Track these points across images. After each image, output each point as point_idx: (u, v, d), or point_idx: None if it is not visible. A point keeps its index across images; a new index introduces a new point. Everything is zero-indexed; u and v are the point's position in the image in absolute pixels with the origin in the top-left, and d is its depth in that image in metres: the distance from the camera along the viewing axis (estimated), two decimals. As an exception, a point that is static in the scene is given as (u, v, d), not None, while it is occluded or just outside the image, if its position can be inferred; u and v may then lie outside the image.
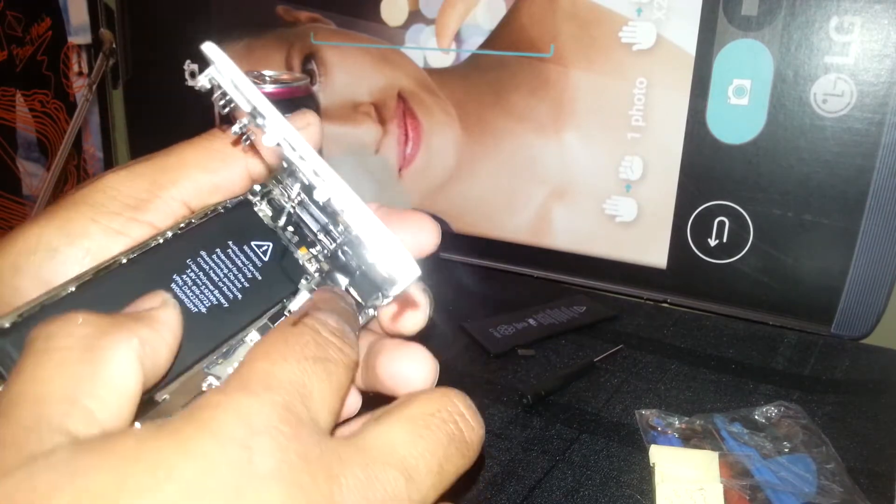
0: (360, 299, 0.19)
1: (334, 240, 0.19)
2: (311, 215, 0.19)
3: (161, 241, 0.17)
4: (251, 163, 0.19)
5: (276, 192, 0.19)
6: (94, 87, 0.69)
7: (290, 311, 0.19)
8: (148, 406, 0.15)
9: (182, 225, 0.18)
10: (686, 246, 0.48)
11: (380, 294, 0.18)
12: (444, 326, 0.45)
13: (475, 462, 0.16)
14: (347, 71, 0.57)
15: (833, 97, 0.42)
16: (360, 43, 0.56)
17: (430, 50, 0.54)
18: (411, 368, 0.18)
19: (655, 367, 0.40)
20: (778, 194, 0.45)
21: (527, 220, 0.53)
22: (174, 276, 0.17)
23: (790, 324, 0.46)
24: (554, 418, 0.35)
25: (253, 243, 0.19)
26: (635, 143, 0.49)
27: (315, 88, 0.57)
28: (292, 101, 0.50)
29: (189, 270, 0.17)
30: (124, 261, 0.16)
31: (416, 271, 0.17)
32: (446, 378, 0.43)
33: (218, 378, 0.17)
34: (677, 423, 0.34)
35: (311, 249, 0.19)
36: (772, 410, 0.35)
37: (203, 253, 0.18)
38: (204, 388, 0.16)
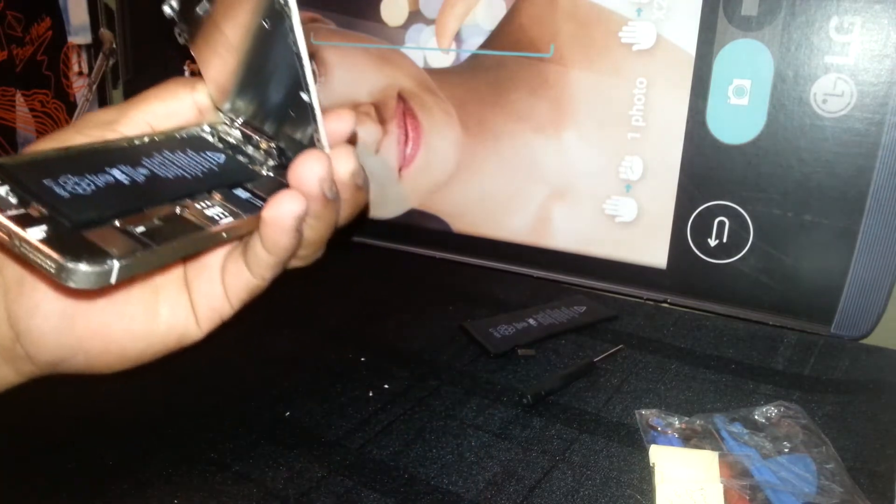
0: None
1: (272, 138, 0.24)
2: (254, 129, 0.24)
3: (136, 141, 0.22)
4: (198, 97, 0.24)
5: (222, 128, 0.24)
6: (95, 87, 0.69)
7: (250, 186, 0.23)
8: (127, 237, 0.18)
9: (148, 135, 0.23)
10: (686, 246, 0.48)
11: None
12: (443, 326, 0.45)
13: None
14: (347, 71, 0.57)
15: (833, 97, 0.42)
16: (360, 43, 0.56)
17: (430, 50, 0.54)
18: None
19: (655, 367, 0.40)
20: (778, 194, 0.45)
21: (527, 220, 0.54)
22: (143, 158, 0.21)
23: (790, 324, 0.46)
24: (554, 418, 0.35)
25: (208, 152, 0.23)
26: (635, 143, 0.49)
27: (315, 88, 0.57)
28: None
29: (156, 156, 0.22)
30: (97, 145, 0.21)
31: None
32: (447, 377, 0.43)
33: (186, 208, 0.21)
34: (677, 423, 0.34)
35: (258, 148, 0.24)
36: (772, 410, 0.35)
37: (166, 150, 0.22)
38: (177, 212, 0.20)
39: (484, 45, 0.52)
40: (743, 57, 0.44)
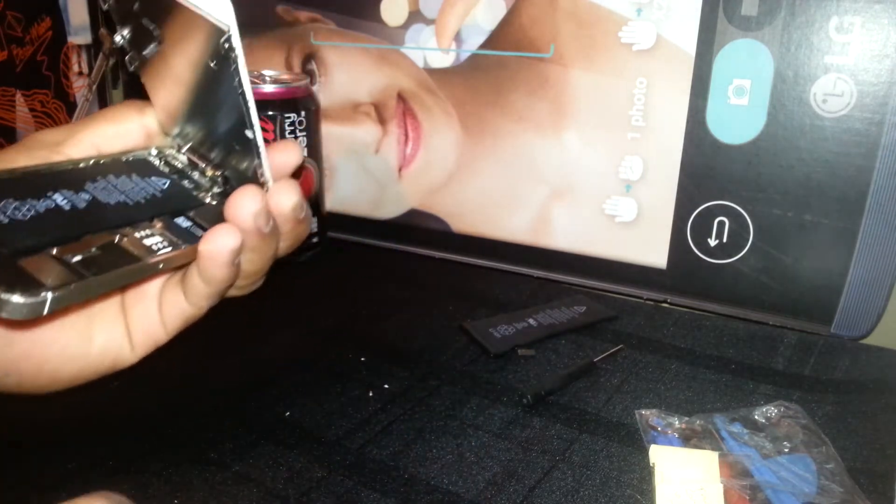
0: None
1: (218, 166, 0.24)
2: (201, 156, 0.24)
3: (82, 164, 0.22)
4: (147, 120, 0.24)
5: (169, 153, 0.24)
6: (94, 87, 0.69)
7: (192, 215, 0.23)
8: (63, 266, 0.18)
9: (94, 158, 0.23)
10: (686, 246, 0.48)
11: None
12: (444, 326, 0.45)
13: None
14: (347, 71, 0.57)
15: (833, 97, 0.42)
16: (360, 43, 0.56)
17: (430, 50, 0.54)
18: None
19: (655, 367, 0.40)
20: (778, 194, 0.45)
21: (527, 220, 0.54)
22: (87, 183, 0.21)
23: (790, 324, 0.46)
24: (554, 418, 0.35)
25: (153, 178, 0.23)
26: (635, 143, 0.49)
27: (315, 88, 0.57)
28: (292, 101, 0.50)
29: (100, 181, 0.22)
30: (42, 167, 0.21)
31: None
32: (447, 377, 0.43)
33: (126, 236, 0.21)
34: (677, 423, 0.34)
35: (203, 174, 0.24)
36: (772, 410, 0.35)
37: (111, 175, 0.22)
38: (116, 241, 0.20)
39: (484, 45, 0.52)
40: (743, 57, 0.44)
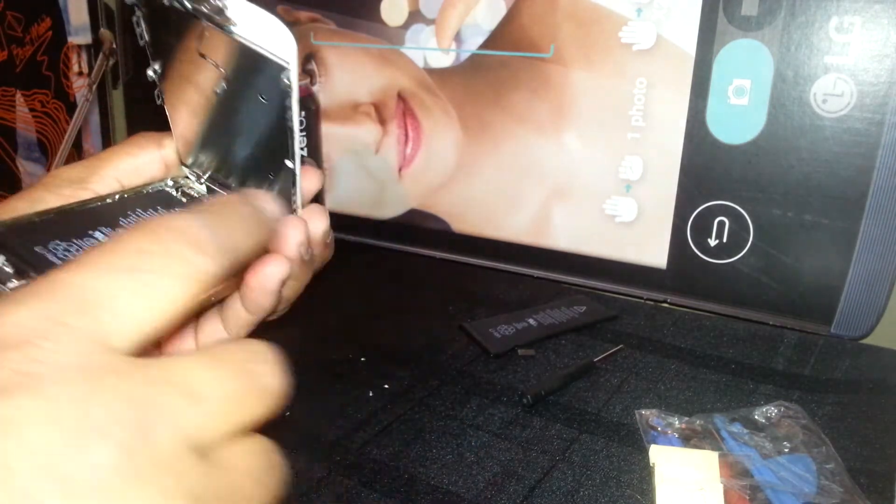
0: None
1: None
2: (220, 184, 0.24)
3: (108, 200, 0.22)
4: (166, 152, 0.24)
5: (184, 182, 0.24)
6: (94, 87, 0.69)
7: None
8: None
9: (118, 193, 0.23)
10: (686, 246, 0.48)
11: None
12: (444, 326, 0.45)
13: (278, 417, 0.16)
14: (347, 71, 0.57)
15: (833, 97, 0.42)
16: (360, 43, 0.56)
17: (430, 50, 0.54)
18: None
19: (655, 367, 0.40)
20: (778, 194, 0.45)
21: (527, 220, 0.54)
22: (120, 219, 0.22)
23: (790, 324, 0.46)
24: (554, 418, 0.35)
25: (176, 209, 0.23)
26: (635, 143, 0.49)
27: (315, 88, 0.57)
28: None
29: (131, 215, 0.22)
30: (74, 206, 0.21)
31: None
32: (447, 377, 0.43)
33: None
34: (677, 423, 0.34)
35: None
36: (772, 410, 0.35)
37: (138, 209, 0.23)
38: None
39: (484, 45, 0.52)
40: (743, 57, 0.44)
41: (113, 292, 0.13)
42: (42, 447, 0.12)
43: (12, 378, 0.12)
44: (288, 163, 0.21)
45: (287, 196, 0.22)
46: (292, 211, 0.22)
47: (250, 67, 0.20)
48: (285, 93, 0.20)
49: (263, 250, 0.19)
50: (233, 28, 0.19)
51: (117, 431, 0.12)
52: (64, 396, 0.12)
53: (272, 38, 0.19)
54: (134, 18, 0.22)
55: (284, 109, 0.20)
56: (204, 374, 0.14)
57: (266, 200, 0.19)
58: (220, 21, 0.20)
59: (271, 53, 0.19)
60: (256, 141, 0.22)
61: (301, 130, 0.53)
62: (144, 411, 0.13)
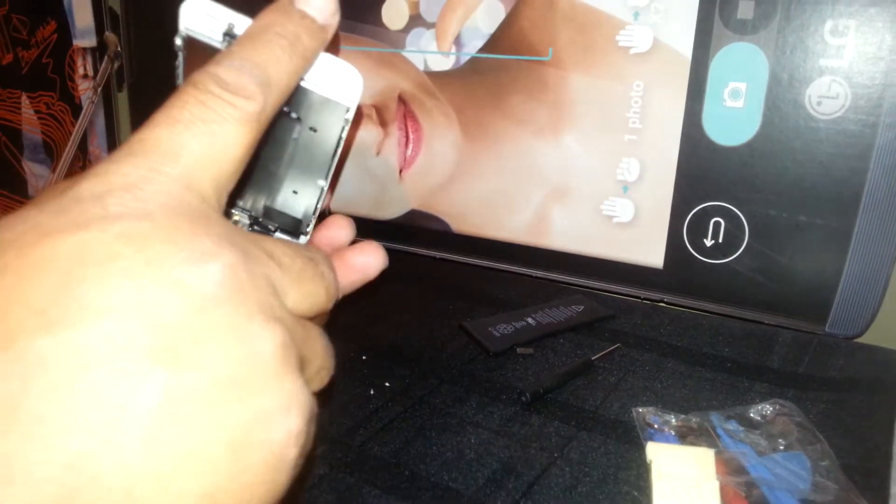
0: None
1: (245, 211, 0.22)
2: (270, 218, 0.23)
3: None
4: None
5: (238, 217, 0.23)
6: (100, 89, 0.70)
7: None
8: None
9: None
10: (682, 246, 0.49)
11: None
12: (443, 325, 0.45)
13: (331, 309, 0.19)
14: (349, 74, 0.57)
15: (827, 99, 0.43)
16: (361, 46, 0.57)
17: (430, 53, 0.55)
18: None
19: (652, 365, 0.41)
20: (773, 195, 0.45)
21: (525, 220, 0.54)
22: None
23: (785, 323, 0.46)
24: (552, 416, 0.36)
25: None
26: (632, 145, 0.49)
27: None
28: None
29: None
30: None
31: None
32: (447, 375, 0.43)
33: None
34: (674, 420, 0.35)
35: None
36: (767, 408, 0.35)
37: None
38: None
39: (483, 49, 0.53)
40: (738, 60, 0.45)
41: (185, 141, 0.15)
42: (160, 259, 0.13)
43: (129, 210, 0.14)
44: (320, 181, 0.21)
45: (307, 215, 0.22)
46: (304, 231, 0.22)
47: (310, 106, 0.20)
48: (342, 127, 0.20)
49: (311, 63, 0.19)
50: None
51: (225, 255, 0.14)
52: (173, 225, 0.14)
53: (336, 78, 0.19)
54: (176, 63, 0.21)
55: (337, 140, 0.20)
56: (279, 248, 0.16)
57: (314, 2, 0.18)
58: None
59: (334, 96, 0.20)
60: (289, 164, 0.21)
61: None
62: (242, 254, 0.15)
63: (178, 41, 0.19)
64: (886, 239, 0.43)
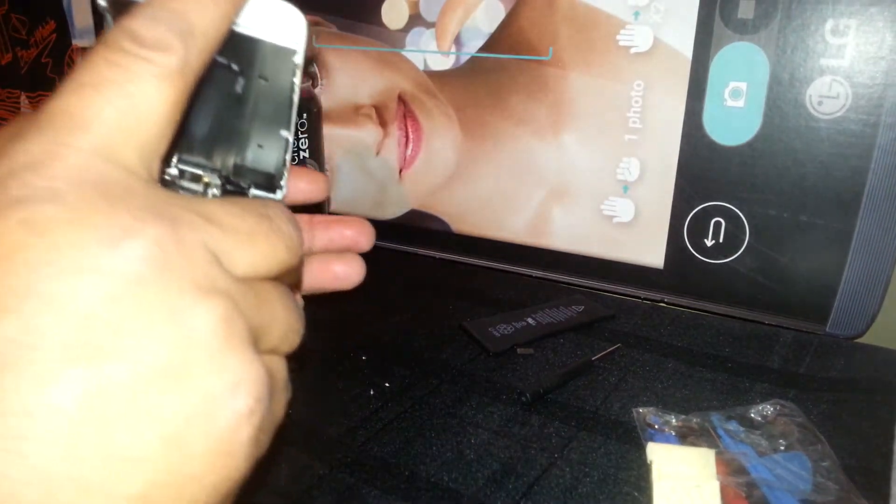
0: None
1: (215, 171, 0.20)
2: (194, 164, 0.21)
3: None
4: None
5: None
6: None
7: None
8: None
9: None
10: (683, 246, 0.49)
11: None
12: (443, 325, 0.45)
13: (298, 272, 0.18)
14: (349, 74, 0.57)
15: (828, 99, 0.43)
16: (361, 46, 0.57)
17: (430, 53, 0.55)
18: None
19: (652, 365, 0.41)
20: (774, 195, 0.45)
21: (526, 220, 0.54)
22: None
23: (786, 323, 0.46)
24: (552, 416, 0.36)
25: None
26: (633, 144, 0.49)
27: (317, 91, 0.57)
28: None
29: None
30: None
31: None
32: (447, 376, 0.43)
33: None
34: (674, 420, 0.34)
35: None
36: (768, 409, 0.35)
37: None
38: None
39: (483, 48, 0.53)
40: (739, 60, 0.44)
41: (96, 107, 0.13)
42: (71, 245, 0.12)
43: (33, 192, 0.12)
44: (283, 132, 0.20)
45: (277, 168, 0.21)
46: (279, 185, 0.20)
47: (253, 55, 0.19)
48: (292, 72, 0.19)
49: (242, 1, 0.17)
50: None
51: (148, 228, 0.13)
52: (86, 204, 0.12)
53: (278, 21, 0.18)
54: (105, 26, 0.19)
55: (290, 86, 0.19)
56: (225, 210, 0.15)
57: None
58: None
59: (278, 40, 0.19)
60: (248, 118, 0.20)
61: (303, 132, 0.54)
62: (170, 221, 0.13)
63: (102, 1, 0.17)
64: (887, 239, 0.43)
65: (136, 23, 0.14)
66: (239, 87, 0.19)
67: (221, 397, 0.13)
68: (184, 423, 0.12)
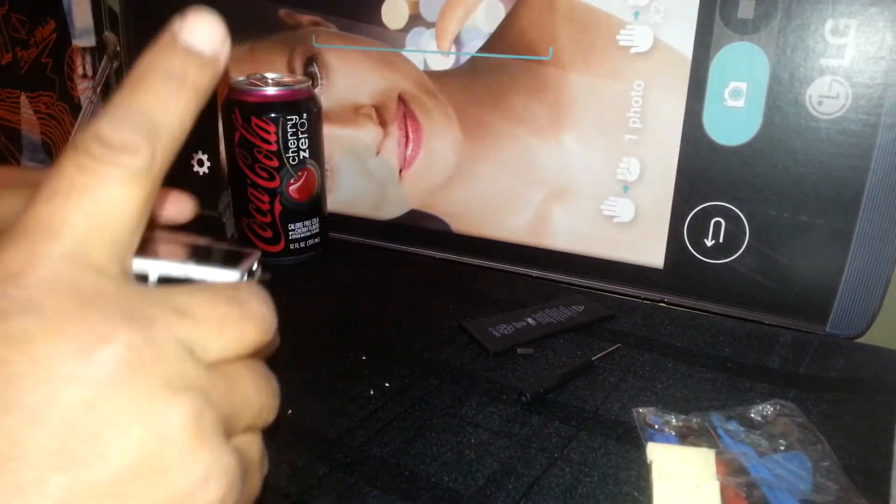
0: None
1: None
2: None
3: None
4: None
5: None
6: (99, 89, 0.70)
7: None
8: None
9: None
10: (683, 246, 0.49)
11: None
12: (443, 325, 0.45)
13: (273, 348, 0.18)
14: (348, 74, 0.57)
15: (828, 99, 0.43)
16: (361, 46, 0.57)
17: (430, 53, 0.55)
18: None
19: (652, 365, 0.41)
20: (774, 195, 0.45)
21: (525, 220, 0.54)
22: None
23: (786, 323, 0.46)
24: (552, 416, 0.36)
25: None
26: (633, 144, 0.49)
27: (317, 91, 0.57)
28: (294, 103, 0.51)
29: None
30: None
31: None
32: (447, 376, 0.43)
33: None
34: (674, 420, 0.34)
35: None
36: (768, 409, 0.35)
37: None
38: None
39: (483, 48, 0.53)
40: (739, 60, 0.45)
41: (66, 214, 0.14)
42: (48, 356, 0.13)
43: (12, 303, 0.13)
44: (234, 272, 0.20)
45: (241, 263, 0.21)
46: (239, 263, 0.20)
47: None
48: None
49: (205, 97, 0.17)
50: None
51: (120, 334, 0.13)
52: (61, 312, 0.13)
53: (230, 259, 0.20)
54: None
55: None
56: (195, 299, 0.15)
57: (199, 34, 0.17)
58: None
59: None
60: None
61: (303, 132, 0.54)
62: (141, 322, 0.14)
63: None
64: (887, 239, 0.43)
65: (103, 126, 0.15)
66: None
67: (193, 491, 0.14)
68: None
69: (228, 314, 0.16)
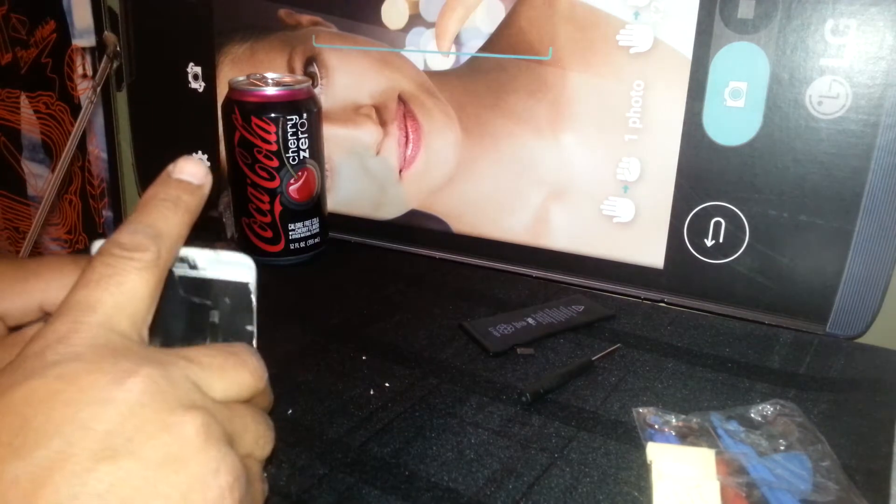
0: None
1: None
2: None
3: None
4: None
5: None
6: (99, 89, 0.70)
7: None
8: None
9: None
10: (683, 246, 0.49)
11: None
12: (443, 325, 0.45)
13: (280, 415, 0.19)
14: (349, 73, 0.57)
15: (828, 99, 0.43)
16: (361, 46, 0.57)
17: (430, 53, 0.55)
18: None
19: (652, 365, 0.41)
20: (774, 195, 0.45)
21: (526, 220, 0.54)
22: None
23: (786, 323, 0.46)
24: (552, 416, 0.36)
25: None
26: (633, 144, 0.49)
27: (317, 91, 0.57)
28: (294, 103, 0.51)
29: None
30: None
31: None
32: (447, 376, 0.43)
33: None
34: (674, 420, 0.34)
35: None
36: (768, 409, 0.35)
37: None
38: None
39: (483, 48, 0.53)
40: (739, 59, 0.45)
41: (98, 296, 0.20)
42: (91, 386, 0.18)
43: (62, 356, 0.18)
44: (248, 327, 0.24)
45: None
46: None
47: (216, 290, 0.24)
48: (248, 297, 0.24)
49: (196, 213, 0.23)
50: (202, 272, 0.24)
51: (143, 369, 0.18)
52: (99, 359, 0.18)
53: (235, 266, 0.24)
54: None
55: (248, 304, 0.24)
56: (201, 352, 0.21)
57: (187, 171, 0.23)
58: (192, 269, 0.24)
59: (235, 278, 0.24)
60: (220, 325, 0.25)
61: (303, 132, 0.54)
62: (159, 364, 0.19)
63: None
64: (887, 239, 0.43)
65: (122, 235, 0.21)
66: (209, 316, 0.24)
67: (208, 477, 0.18)
68: (184, 495, 0.18)
69: (226, 363, 0.21)
